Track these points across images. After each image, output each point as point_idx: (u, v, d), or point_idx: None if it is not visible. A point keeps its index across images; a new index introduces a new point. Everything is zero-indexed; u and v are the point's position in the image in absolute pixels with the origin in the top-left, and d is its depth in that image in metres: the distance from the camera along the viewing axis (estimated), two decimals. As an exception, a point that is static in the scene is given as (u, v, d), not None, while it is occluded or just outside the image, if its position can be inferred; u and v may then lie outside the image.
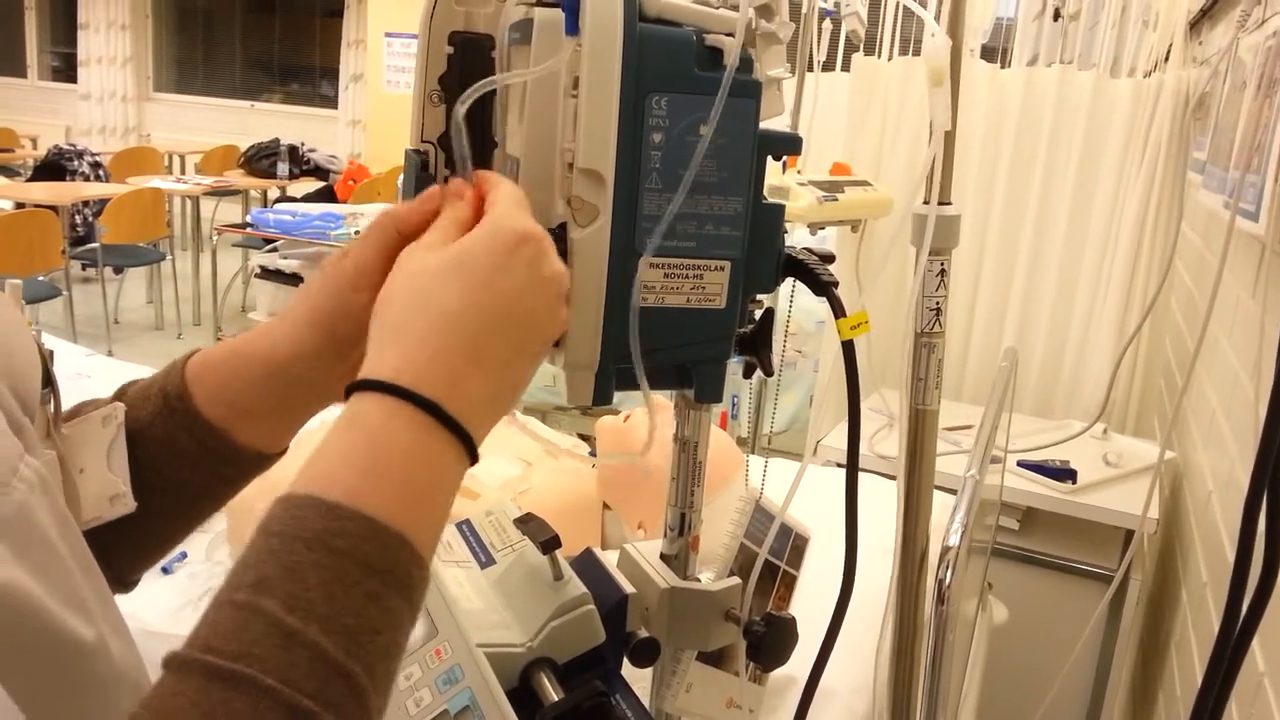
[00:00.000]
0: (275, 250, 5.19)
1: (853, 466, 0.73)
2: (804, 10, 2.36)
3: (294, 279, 5.06)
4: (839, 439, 2.40)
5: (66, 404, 0.61)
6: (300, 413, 0.65)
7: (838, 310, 0.69)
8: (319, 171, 7.57)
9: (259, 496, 1.60)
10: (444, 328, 0.50)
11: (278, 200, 6.83)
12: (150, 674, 0.55)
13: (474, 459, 0.51)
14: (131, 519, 0.60)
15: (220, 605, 0.43)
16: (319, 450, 0.48)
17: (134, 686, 0.54)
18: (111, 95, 10.04)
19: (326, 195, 6.66)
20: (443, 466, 0.49)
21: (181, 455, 0.63)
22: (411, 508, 0.47)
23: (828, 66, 3.21)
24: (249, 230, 5.30)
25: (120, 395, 0.65)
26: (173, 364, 0.65)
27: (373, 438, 0.48)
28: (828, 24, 2.76)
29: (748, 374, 0.74)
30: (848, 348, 0.69)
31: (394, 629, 0.45)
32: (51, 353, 0.60)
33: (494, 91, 0.63)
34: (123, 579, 0.66)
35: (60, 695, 0.42)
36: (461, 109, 0.57)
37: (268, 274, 5.13)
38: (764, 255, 0.66)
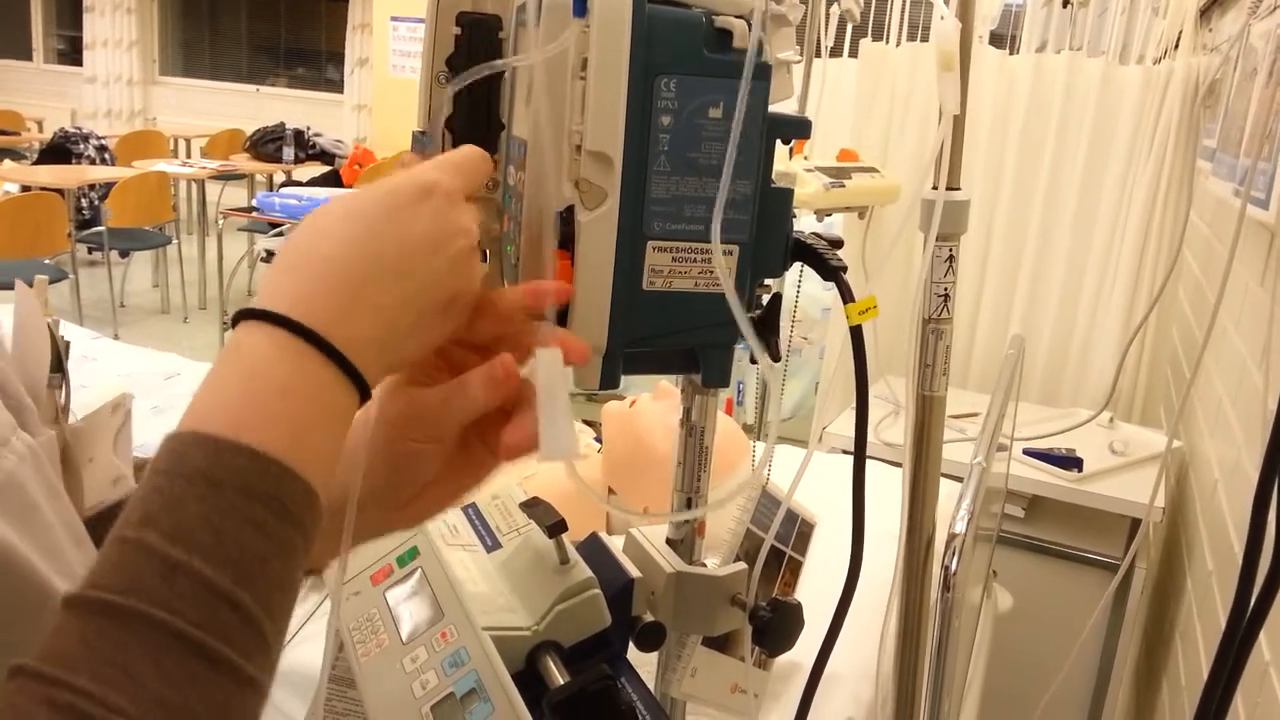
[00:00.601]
0: (281, 234, 5.20)
1: (860, 451, 0.73)
2: (812, -5, 2.35)
3: (299, 263, 5.06)
4: (844, 426, 2.40)
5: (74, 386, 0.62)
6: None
7: (846, 295, 0.69)
8: (324, 156, 7.56)
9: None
10: (329, 269, 0.50)
11: (283, 184, 6.84)
12: None
13: (364, 395, 0.50)
14: None
15: (110, 543, 0.43)
16: (204, 384, 0.47)
17: None
18: (117, 78, 10.03)
19: (332, 179, 6.66)
20: (326, 397, 0.49)
21: None
22: (294, 437, 0.46)
23: (835, 52, 3.20)
24: (255, 214, 5.30)
25: None
26: None
27: (253, 367, 0.47)
28: (835, 9, 2.75)
29: (755, 359, 0.73)
30: (856, 333, 0.69)
31: (283, 556, 0.45)
32: (68, 344, 0.61)
33: (501, 73, 0.63)
34: None
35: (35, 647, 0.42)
36: (450, 89, 0.57)
37: (273, 258, 5.13)
38: (772, 239, 0.65)
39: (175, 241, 6.34)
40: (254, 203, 5.37)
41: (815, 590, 0.92)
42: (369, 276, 0.50)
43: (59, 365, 0.58)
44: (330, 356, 0.48)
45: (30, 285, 0.60)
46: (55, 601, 0.44)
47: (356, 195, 0.53)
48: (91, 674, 0.39)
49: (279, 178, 7.42)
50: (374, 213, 0.52)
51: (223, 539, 0.43)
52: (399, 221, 0.52)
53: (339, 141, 7.88)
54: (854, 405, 0.72)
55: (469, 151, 0.58)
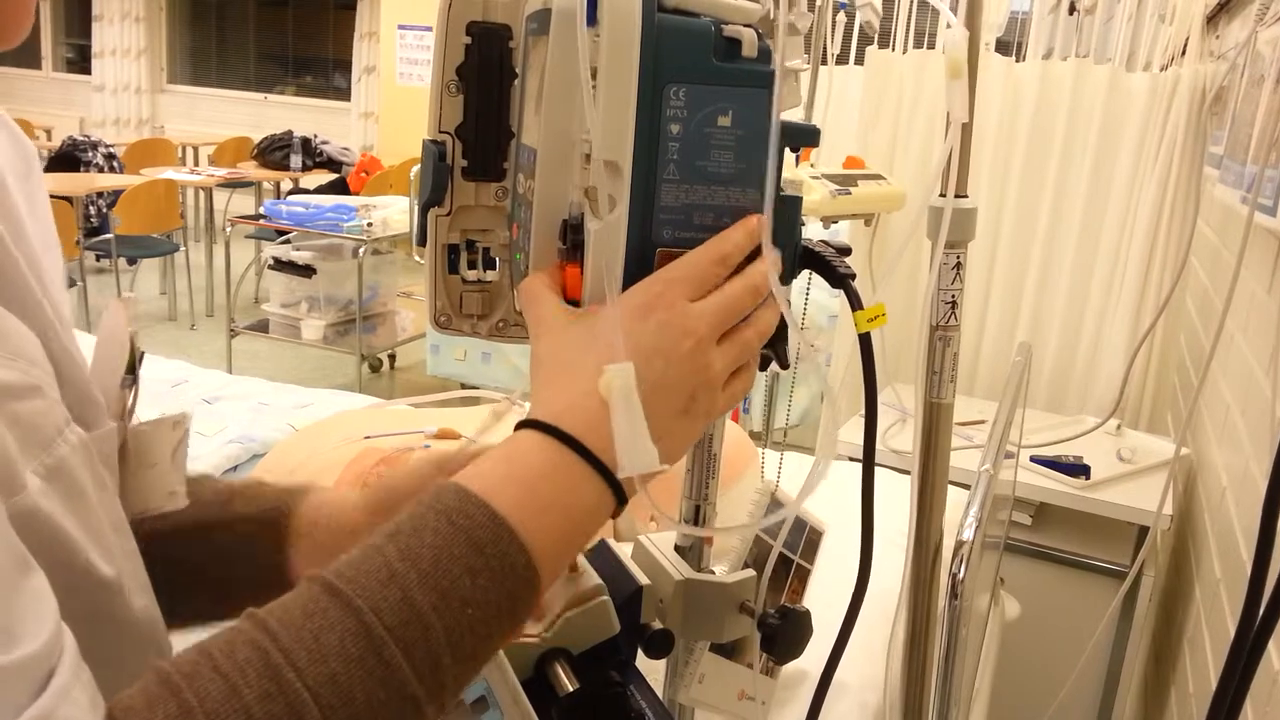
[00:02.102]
0: (288, 242, 5.20)
1: (869, 459, 0.73)
2: (819, 2, 2.36)
3: (307, 270, 5.07)
4: (851, 434, 2.39)
5: None
6: None
7: (855, 302, 0.69)
8: (332, 164, 7.58)
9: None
10: (588, 383, 0.56)
11: (291, 192, 6.85)
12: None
13: (621, 499, 0.57)
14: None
15: (362, 546, 0.51)
16: (476, 461, 0.56)
17: (152, 637, 0.58)
18: (125, 87, 10.06)
19: (339, 187, 6.66)
20: (576, 491, 0.55)
21: (232, 560, 0.74)
22: (531, 513, 0.53)
23: (841, 59, 3.20)
24: (262, 222, 5.31)
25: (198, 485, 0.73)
26: (284, 497, 0.77)
27: (514, 455, 0.56)
28: (842, 16, 2.75)
29: (763, 367, 0.74)
30: (865, 340, 0.69)
31: (484, 608, 0.51)
32: (143, 353, 0.67)
33: (512, 81, 0.63)
34: None
35: (75, 622, 0.45)
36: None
37: (281, 265, 5.14)
38: (781, 247, 0.66)
39: (183, 249, 6.36)
40: (261, 210, 5.38)
41: (822, 597, 0.92)
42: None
43: (132, 369, 0.64)
44: (587, 460, 0.55)
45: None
46: (94, 577, 0.51)
47: (594, 320, 0.60)
48: (294, 634, 0.46)
49: (286, 185, 7.43)
50: (608, 336, 0.58)
51: (439, 570, 0.49)
52: (632, 342, 0.57)
53: (346, 149, 7.89)
54: (862, 413, 0.72)
55: (692, 259, 0.61)
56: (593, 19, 0.57)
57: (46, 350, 0.52)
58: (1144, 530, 2.11)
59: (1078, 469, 2.20)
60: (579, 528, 0.56)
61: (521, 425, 0.57)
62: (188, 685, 0.44)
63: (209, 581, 0.74)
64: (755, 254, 0.62)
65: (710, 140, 0.60)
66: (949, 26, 0.86)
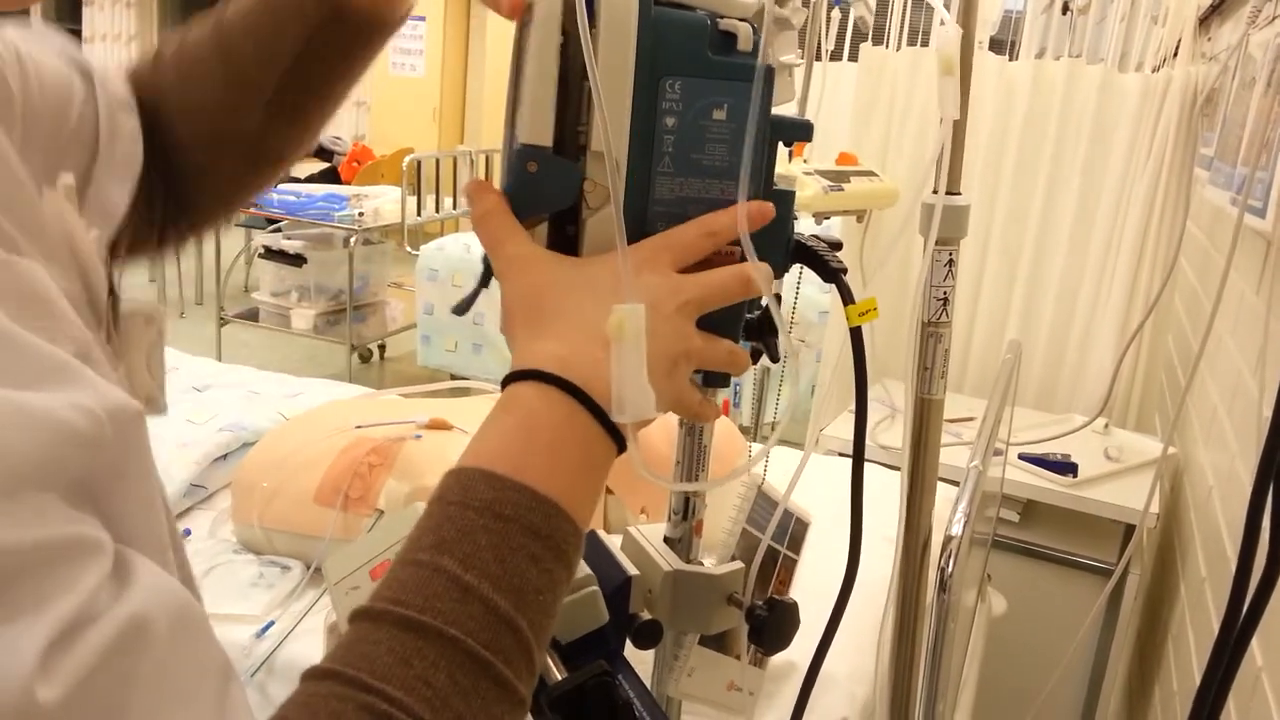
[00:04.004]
0: (279, 230, 5.19)
1: (859, 453, 0.73)
2: (813, -1, 2.36)
3: (297, 259, 5.06)
4: (840, 429, 2.40)
5: None
6: None
7: (847, 297, 0.69)
8: (323, 153, 7.54)
9: (261, 474, 1.60)
10: (584, 331, 0.56)
11: (282, 180, 6.83)
12: None
13: (621, 448, 0.56)
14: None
15: (404, 565, 0.48)
16: (481, 431, 0.54)
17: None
18: (116, 73, 10.02)
19: (331, 176, 6.64)
20: (592, 448, 0.55)
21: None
22: (565, 480, 0.52)
23: (835, 56, 3.20)
24: (253, 210, 5.29)
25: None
26: None
27: (528, 418, 0.54)
28: (836, 13, 2.75)
29: (753, 360, 0.74)
30: (856, 334, 0.69)
31: (552, 589, 0.50)
32: (108, 258, 0.62)
33: (584, 80, 0.61)
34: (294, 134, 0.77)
35: None
36: None
37: (271, 254, 5.13)
38: (773, 241, 0.66)
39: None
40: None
41: (812, 591, 0.92)
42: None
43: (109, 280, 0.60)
44: (593, 412, 0.54)
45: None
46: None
47: (582, 265, 0.59)
48: (402, 684, 0.43)
49: (277, 174, 7.39)
50: (609, 283, 0.57)
51: (507, 569, 0.48)
52: (627, 291, 0.55)
53: (337, 139, 7.86)
54: (852, 407, 0.72)
55: (680, 230, 0.61)
56: (591, 13, 0.57)
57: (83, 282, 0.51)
58: (1130, 528, 2.12)
59: (1065, 467, 2.21)
60: (599, 478, 0.56)
61: (521, 375, 0.55)
62: None
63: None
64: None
65: (705, 133, 0.61)
66: (942, 24, 0.86)
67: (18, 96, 0.60)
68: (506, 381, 0.56)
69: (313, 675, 0.44)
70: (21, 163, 0.53)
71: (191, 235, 0.83)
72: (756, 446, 1.63)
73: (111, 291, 0.60)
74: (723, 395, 0.79)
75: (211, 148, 0.77)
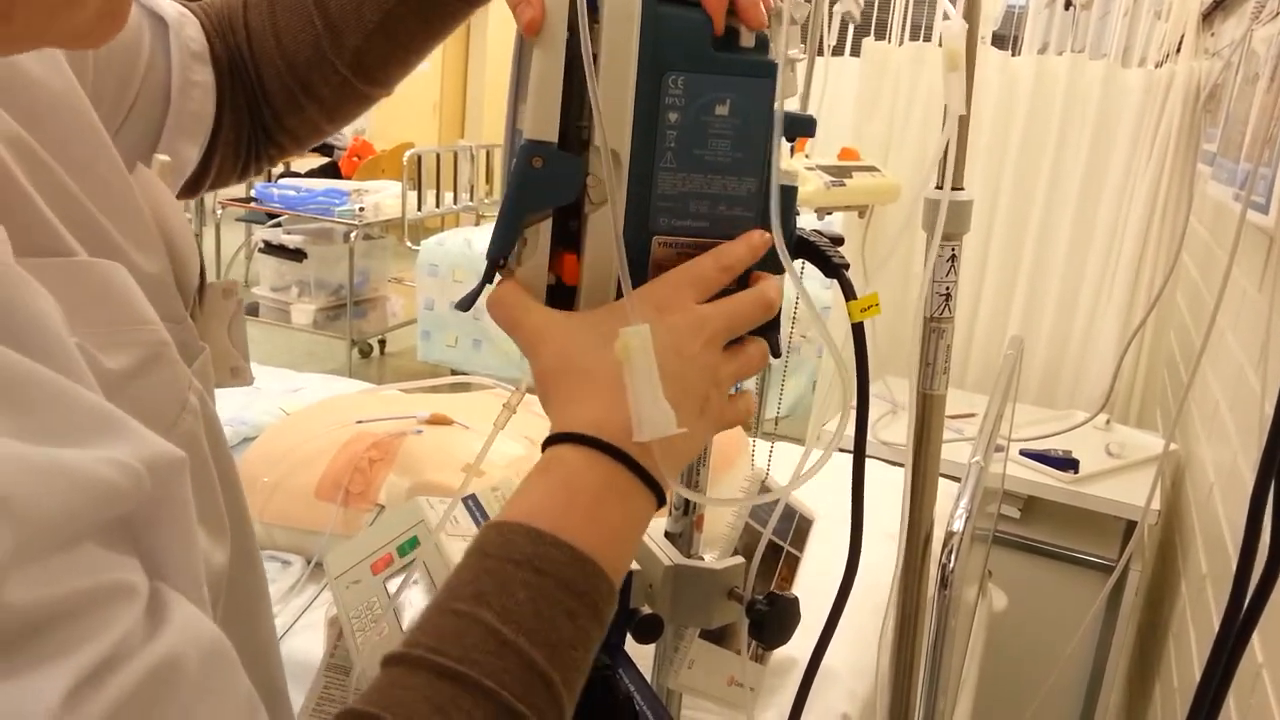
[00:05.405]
0: (279, 225, 5.19)
1: (860, 450, 0.73)
2: (816, -7, 2.35)
3: (297, 254, 5.06)
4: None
5: None
6: None
7: (849, 292, 0.69)
8: (323, 147, 7.51)
9: (262, 470, 1.59)
10: (616, 390, 0.55)
11: (282, 175, 6.82)
12: None
13: (661, 500, 0.57)
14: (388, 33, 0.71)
15: (442, 613, 0.49)
16: (522, 488, 0.55)
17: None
18: (118, 67, 10.00)
19: (331, 171, 6.64)
20: (630, 500, 0.56)
21: None
22: (604, 538, 0.53)
23: (838, 50, 3.20)
24: (253, 205, 5.30)
25: None
26: None
27: (569, 478, 0.55)
28: (838, 6, 2.75)
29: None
30: (858, 330, 0.69)
31: (585, 646, 0.51)
32: (197, 236, 0.61)
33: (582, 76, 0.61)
34: (380, 82, 0.78)
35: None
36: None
37: (271, 249, 5.13)
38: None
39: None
40: (252, 193, 5.36)
41: (813, 587, 0.92)
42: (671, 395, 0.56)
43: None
44: (632, 469, 0.55)
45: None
46: (211, 572, 0.49)
47: (599, 320, 0.60)
48: None
49: (277, 169, 7.40)
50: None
51: (543, 624, 0.49)
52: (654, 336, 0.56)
53: (338, 133, 7.86)
54: (853, 403, 0.72)
55: (696, 264, 0.61)
56: (590, 8, 0.57)
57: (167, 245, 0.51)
58: (1131, 525, 2.12)
59: (1067, 463, 2.21)
60: (637, 535, 0.57)
61: (558, 439, 0.56)
62: None
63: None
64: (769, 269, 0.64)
65: (708, 129, 0.61)
66: (947, 18, 0.86)
67: (90, 54, 0.61)
68: (546, 445, 0.57)
69: (347, 717, 0.45)
70: (114, 142, 0.53)
71: (280, 158, 0.85)
72: (757, 441, 1.63)
73: (201, 272, 0.61)
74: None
75: (297, 93, 0.77)
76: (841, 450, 0.68)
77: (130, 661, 0.36)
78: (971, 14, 0.94)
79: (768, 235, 0.62)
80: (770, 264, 0.64)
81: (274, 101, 0.77)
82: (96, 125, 0.53)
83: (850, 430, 0.69)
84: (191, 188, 0.76)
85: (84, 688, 0.34)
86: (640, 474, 0.55)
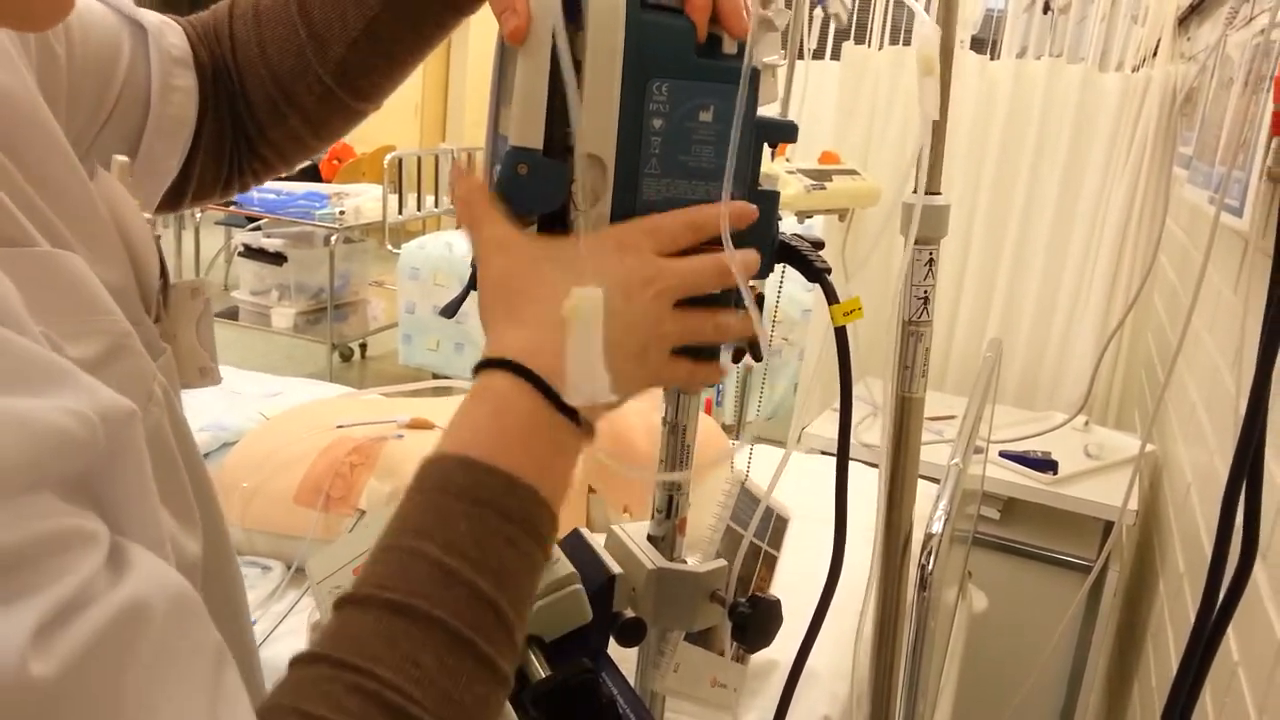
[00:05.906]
0: (259, 229, 5.17)
1: (843, 452, 0.73)
2: (795, -2, 2.36)
3: (277, 258, 5.04)
4: (823, 427, 2.41)
5: None
6: None
7: (831, 296, 0.69)
8: (304, 150, 7.49)
9: (242, 475, 1.58)
10: (551, 320, 0.55)
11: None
12: None
13: (588, 432, 0.57)
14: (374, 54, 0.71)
15: (387, 551, 0.49)
16: (455, 419, 0.55)
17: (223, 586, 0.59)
18: (95, 69, 9.94)
19: (311, 174, 6.61)
20: (560, 435, 0.55)
21: None
22: (538, 465, 0.53)
23: (818, 54, 3.21)
24: (233, 208, 5.27)
25: None
26: None
27: (500, 407, 0.55)
28: (818, 11, 2.76)
29: (736, 359, 0.74)
30: (840, 334, 0.70)
31: (529, 571, 0.52)
32: (159, 237, 0.63)
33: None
34: (365, 95, 0.78)
35: None
36: None
37: (251, 252, 5.10)
38: (758, 241, 0.66)
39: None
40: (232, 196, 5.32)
41: (792, 588, 0.93)
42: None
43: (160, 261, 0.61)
44: (557, 404, 0.54)
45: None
46: (185, 561, 0.50)
47: (559, 246, 0.60)
48: (391, 666, 0.44)
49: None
50: (578, 265, 0.58)
51: (486, 553, 0.49)
52: (600, 273, 0.56)
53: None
54: (836, 406, 0.73)
55: (664, 218, 0.61)
56: (573, 16, 0.58)
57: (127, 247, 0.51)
58: (1110, 525, 2.14)
59: (1045, 464, 2.22)
60: (569, 464, 0.57)
61: (491, 363, 0.56)
62: None
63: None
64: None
65: (692, 135, 0.61)
66: (922, 24, 0.87)
67: (63, 58, 0.61)
68: (479, 368, 0.56)
69: (301, 660, 0.45)
70: (73, 144, 0.53)
71: (266, 175, 0.84)
72: (739, 445, 1.64)
73: (163, 274, 0.61)
74: (705, 394, 0.79)
75: (280, 103, 0.77)
76: (823, 452, 0.69)
77: (96, 604, 0.36)
78: (947, 19, 0.95)
79: (750, 207, 0.62)
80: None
81: (258, 112, 0.77)
82: (51, 126, 0.52)
83: (826, 432, 0.70)
84: (172, 200, 0.76)
85: (51, 627, 0.34)
86: (565, 409, 0.55)
